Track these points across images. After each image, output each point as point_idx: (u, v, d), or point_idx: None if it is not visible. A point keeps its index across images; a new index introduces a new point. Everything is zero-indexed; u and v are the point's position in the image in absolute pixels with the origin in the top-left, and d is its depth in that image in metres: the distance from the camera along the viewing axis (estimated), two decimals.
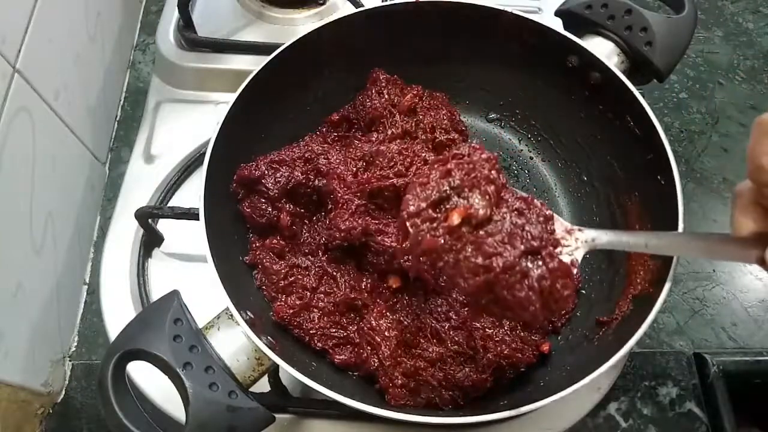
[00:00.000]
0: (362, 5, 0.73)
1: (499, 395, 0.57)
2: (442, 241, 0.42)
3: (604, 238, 0.46)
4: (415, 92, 0.69)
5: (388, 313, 0.58)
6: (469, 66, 0.72)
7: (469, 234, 0.42)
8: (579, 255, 0.46)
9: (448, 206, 0.43)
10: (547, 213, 0.45)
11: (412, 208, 0.43)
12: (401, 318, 0.59)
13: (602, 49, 0.64)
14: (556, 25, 0.65)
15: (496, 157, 0.45)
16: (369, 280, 0.61)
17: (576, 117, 0.68)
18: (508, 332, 0.59)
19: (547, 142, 0.73)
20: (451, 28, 0.67)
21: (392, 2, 0.66)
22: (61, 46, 0.72)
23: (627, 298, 0.57)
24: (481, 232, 0.42)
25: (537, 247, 0.42)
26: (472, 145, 0.46)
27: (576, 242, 0.46)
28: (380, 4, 0.68)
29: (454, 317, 0.59)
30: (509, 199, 0.44)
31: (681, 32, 0.65)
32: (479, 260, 0.41)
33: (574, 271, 0.44)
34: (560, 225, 0.46)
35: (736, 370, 0.72)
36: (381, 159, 0.62)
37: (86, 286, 0.78)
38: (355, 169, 0.63)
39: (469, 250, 0.42)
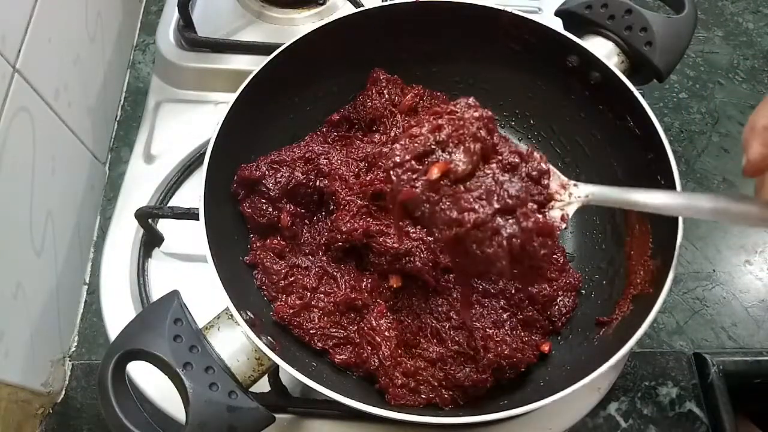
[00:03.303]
0: (362, 5, 0.73)
1: (499, 395, 0.57)
2: (419, 192, 0.43)
3: (598, 193, 0.47)
4: (415, 92, 0.69)
5: (388, 313, 0.58)
6: (468, 66, 0.72)
7: (447, 188, 0.43)
8: (571, 210, 0.47)
9: (430, 160, 0.44)
10: (544, 167, 0.45)
11: (397, 159, 0.44)
12: (401, 318, 0.59)
13: (602, 49, 0.64)
14: (556, 25, 0.65)
15: (490, 117, 0.45)
16: (369, 280, 0.61)
17: (576, 117, 0.68)
18: (509, 332, 0.59)
19: (547, 142, 0.73)
20: (451, 28, 0.67)
21: (392, 2, 0.66)
22: (61, 46, 0.72)
23: (627, 298, 0.58)
24: (460, 187, 0.43)
25: (512, 205, 0.43)
26: (468, 101, 0.46)
27: (569, 197, 0.47)
28: (380, 4, 0.68)
29: (454, 317, 0.59)
30: (504, 152, 0.45)
31: (681, 32, 0.65)
32: (453, 214, 0.42)
33: (563, 225, 0.45)
34: (556, 179, 0.47)
35: (736, 370, 0.72)
36: (384, 161, 0.61)
37: (86, 286, 0.78)
38: (356, 170, 0.63)
39: (446, 203, 0.43)
